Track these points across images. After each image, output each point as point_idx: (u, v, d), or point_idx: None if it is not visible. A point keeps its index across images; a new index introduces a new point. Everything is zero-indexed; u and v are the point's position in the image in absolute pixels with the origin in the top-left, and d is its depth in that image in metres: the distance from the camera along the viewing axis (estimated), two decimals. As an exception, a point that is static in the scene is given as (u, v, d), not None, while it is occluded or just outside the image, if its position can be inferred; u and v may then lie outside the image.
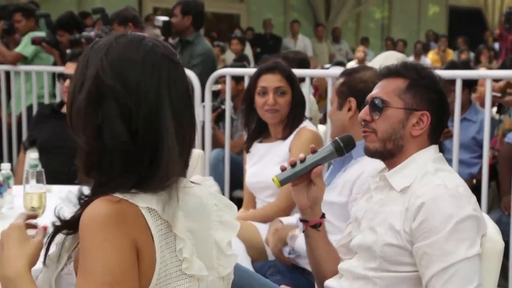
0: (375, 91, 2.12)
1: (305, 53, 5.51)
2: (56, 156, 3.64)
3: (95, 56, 1.43)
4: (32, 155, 3.16)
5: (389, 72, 2.13)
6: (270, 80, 3.27)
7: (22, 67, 5.78)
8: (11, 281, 1.43)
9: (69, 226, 1.46)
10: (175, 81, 1.46)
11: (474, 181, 4.66)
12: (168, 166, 1.41)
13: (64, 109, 3.93)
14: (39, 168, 2.89)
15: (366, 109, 2.11)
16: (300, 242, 2.75)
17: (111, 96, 1.39)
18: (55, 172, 3.17)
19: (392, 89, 2.08)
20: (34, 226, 1.56)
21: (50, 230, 1.49)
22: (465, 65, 5.14)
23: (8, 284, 1.44)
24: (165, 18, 5.76)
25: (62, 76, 3.85)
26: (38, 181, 2.61)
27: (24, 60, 5.81)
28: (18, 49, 5.80)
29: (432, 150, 2.09)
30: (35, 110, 5.60)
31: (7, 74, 5.82)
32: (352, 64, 9.66)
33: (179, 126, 1.44)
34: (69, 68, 3.80)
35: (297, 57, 5.66)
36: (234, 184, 4.72)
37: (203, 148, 4.57)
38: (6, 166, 3.14)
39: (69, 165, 1.59)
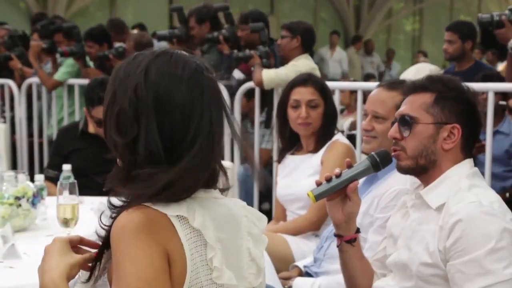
0: (403, 108, 2.08)
1: None
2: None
3: (135, 70, 1.45)
4: (65, 167, 3.19)
5: (415, 87, 2.08)
6: (303, 93, 3.25)
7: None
8: None
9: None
10: (214, 99, 1.48)
11: (507, 194, 4.60)
12: (198, 177, 1.43)
13: (91, 129, 3.97)
14: (72, 179, 2.91)
15: (395, 126, 2.07)
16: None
17: (150, 111, 1.41)
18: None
19: (419, 104, 2.04)
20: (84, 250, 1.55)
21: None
22: (497, 78, 5.04)
23: None
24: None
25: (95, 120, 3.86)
26: (71, 192, 2.62)
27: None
28: (56, 76, 5.79)
29: (467, 165, 2.04)
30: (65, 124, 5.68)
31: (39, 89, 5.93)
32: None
33: (213, 141, 1.46)
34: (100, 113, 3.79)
35: None
36: (262, 197, 4.73)
37: (232, 161, 4.57)
38: (39, 177, 3.17)
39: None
